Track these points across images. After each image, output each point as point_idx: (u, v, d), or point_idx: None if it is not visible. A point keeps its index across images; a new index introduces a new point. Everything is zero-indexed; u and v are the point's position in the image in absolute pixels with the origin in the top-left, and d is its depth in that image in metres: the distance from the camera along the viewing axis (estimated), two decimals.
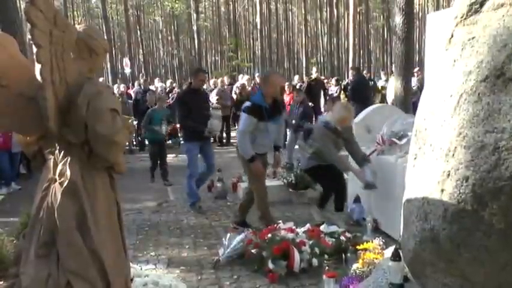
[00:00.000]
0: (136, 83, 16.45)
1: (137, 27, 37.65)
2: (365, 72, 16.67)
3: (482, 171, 1.83)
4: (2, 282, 3.82)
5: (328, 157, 5.31)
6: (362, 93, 12.27)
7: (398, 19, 9.67)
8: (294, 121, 9.06)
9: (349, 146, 5.55)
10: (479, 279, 1.97)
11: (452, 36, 2.18)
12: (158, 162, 8.76)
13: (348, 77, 13.64)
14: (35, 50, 2.30)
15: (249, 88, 13.51)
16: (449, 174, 1.98)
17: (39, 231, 2.48)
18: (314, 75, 13.49)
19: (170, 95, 13.95)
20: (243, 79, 14.53)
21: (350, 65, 23.32)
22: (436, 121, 2.15)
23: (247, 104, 5.32)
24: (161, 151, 8.88)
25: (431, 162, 2.14)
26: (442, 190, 2.01)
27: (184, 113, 6.51)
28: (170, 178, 8.50)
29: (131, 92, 14.65)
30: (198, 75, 6.81)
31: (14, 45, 2.56)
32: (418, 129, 2.37)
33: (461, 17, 2.11)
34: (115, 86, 14.62)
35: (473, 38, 2.00)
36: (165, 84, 16.85)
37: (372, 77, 16.20)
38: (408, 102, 9.84)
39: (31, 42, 2.34)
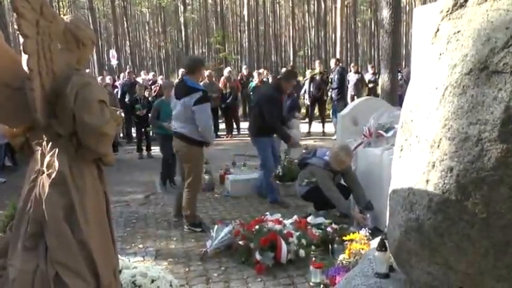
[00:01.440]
0: (122, 75, 16.32)
1: (124, 19, 37.21)
2: (352, 65, 16.70)
3: (466, 162, 1.87)
4: None
5: (326, 194, 5.31)
6: (343, 84, 12.53)
7: (386, 13, 9.75)
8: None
9: (349, 182, 5.53)
10: (462, 267, 2.02)
11: (438, 30, 2.21)
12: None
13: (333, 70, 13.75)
14: (21, 40, 2.28)
15: (233, 80, 13.55)
16: (434, 165, 2.02)
17: (26, 223, 2.47)
18: (317, 69, 13.57)
19: (153, 87, 13.87)
20: (225, 71, 14.54)
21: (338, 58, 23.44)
22: (422, 113, 2.18)
23: (200, 94, 5.12)
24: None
25: (417, 154, 2.18)
26: (427, 181, 2.05)
27: (274, 113, 6.25)
28: (157, 171, 8.44)
29: (118, 84, 14.54)
30: (291, 80, 6.58)
31: None
32: (404, 121, 2.41)
33: (447, 11, 2.14)
34: (99, 78, 14.47)
35: (458, 31, 2.03)
36: (148, 76, 16.58)
37: (360, 70, 16.22)
38: (395, 95, 9.95)
39: (17, 32, 2.32)
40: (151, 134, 10.31)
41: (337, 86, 12.73)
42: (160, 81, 14.82)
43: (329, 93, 13.58)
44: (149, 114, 8.12)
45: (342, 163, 5.32)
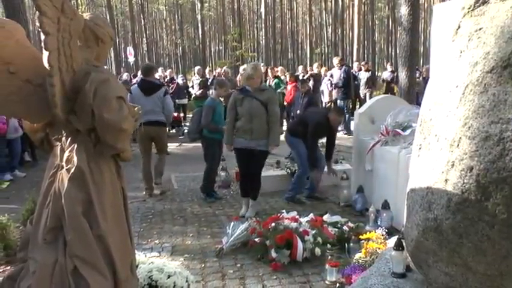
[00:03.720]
0: (139, 72, 16.40)
1: (141, 16, 37.51)
2: (362, 63, 16.44)
3: (487, 162, 1.84)
4: (9, 267, 3.89)
5: None
6: (348, 84, 12.41)
7: (404, 10, 9.62)
8: (298, 111, 9.04)
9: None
10: (481, 268, 1.99)
11: (459, 27, 2.18)
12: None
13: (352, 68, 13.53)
14: (43, 37, 2.31)
15: None
16: (453, 165, 1.99)
17: (46, 217, 2.51)
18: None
19: (170, 84, 13.91)
20: (241, 69, 14.56)
21: (355, 56, 23.22)
22: (441, 112, 2.15)
23: (164, 87, 7.05)
24: (220, 154, 6.77)
25: (436, 153, 2.15)
26: (446, 180, 2.03)
27: (315, 138, 6.45)
28: (174, 167, 8.49)
29: (135, 81, 14.64)
30: (340, 117, 6.69)
31: (21, 32, 2.57)
32: (423, 120, 2.38)
33: (469, 8, 2.11)
34: (125, 75, 14.56)
35: (480, 29, 2.00)
36: (165, 73, 16.42)
37: (370, 69, 16.00)
38: (413, 93, 9.83)
39: (39, 30, 2.36)
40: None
41: (342, 85, 12.54)
42: (180, 80, 14.90)
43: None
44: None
45: (248, 78, 5.45)
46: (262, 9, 30.98)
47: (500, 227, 1.85)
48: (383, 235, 4.13)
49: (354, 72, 14.16)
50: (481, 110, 1.89)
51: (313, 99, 9.41)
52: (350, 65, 15.84)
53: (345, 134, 12.06)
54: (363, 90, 13.99)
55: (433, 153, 2.20)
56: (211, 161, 6.58)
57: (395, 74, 14.70)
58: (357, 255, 3.93)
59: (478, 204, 1.90)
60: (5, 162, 8.17)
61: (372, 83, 14.34)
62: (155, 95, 6.63)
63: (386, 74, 15.50)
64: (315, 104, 9.46)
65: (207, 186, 6.63)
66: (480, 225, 1.91)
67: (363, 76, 14.11)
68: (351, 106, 13.10)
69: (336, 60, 13.58)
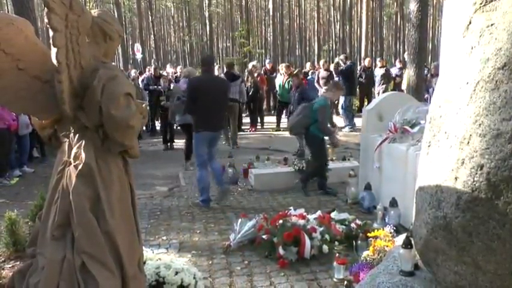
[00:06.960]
0: (147, 69, 16.46)
1: (149, 13, 37.53)
2: (378, 60, 16.33)
3: (498, 160, 1.82)
4: (19, 262, 3.92)
5: None
6: (352, 81, 12.38)
7: (413, 6, 9.56)
8: (293, 107, 8.92)
9: None
10: (491, 267, 1.97)
11: (470, 23, 2.14)
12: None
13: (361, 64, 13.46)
14: (51, 33, 2.31)
15: (256, 74, 13.48)
16: (463, 162, 1.97)
17: (54, 213, 2.53)
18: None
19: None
20: (250, 65, 14.56)
21: (363, 53, 23.09)
22: (451, 109, 2.13)
23: (240, 78, 10.77)
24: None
25: (445, 150, 2.13)
26: (456, 178, 2.01)
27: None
28: (181, 164, 8.50)
29: (142, 78, 14.68)
30: None
31: (30, 29, 2.58)
32: (433, 117, 2.36)
33: (480, 3, 2.08)
34: (132, 72, 14.65)
35: (492, 24, 1.97)
36: (175, 69, 16.39)
37: (385, 65, 15.90)
38: (422, 90, 9.76)
39: (47, 26, 2.36)
40: (174, 127, 10.51)
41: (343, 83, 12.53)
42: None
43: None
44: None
45: None
46: (270, 6, 30.86)
47: (510, 226, 1.83)
48: (390, 233, 4.11)
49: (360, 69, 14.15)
50: (492, 107, 1.86)
51: (306, 94, 9.22)
52: (357, 62, 15.73)
53: (350, 129, 12.04)
54: (377, 87, 13.87)
55: (443, 151, 2.17)
56: (324, 158, 6.62)
57: (403, 71, 14.61)
58: (365, 253, 3.92)
59: (488, 203, 1.88)
60: (14, 158, 8.22)
61: (387, 79, 14.22)
62: (234, 83, 9.82)
63: (394, 70, 15.38)
64: (308, 98, 9.24)
65: (324, 182, 6.57)
66: (490, 224, 1.89)
67: (378, 73, 13.98)
68: (355, 102, 13.11)
69: (341, 57, 13.66)
